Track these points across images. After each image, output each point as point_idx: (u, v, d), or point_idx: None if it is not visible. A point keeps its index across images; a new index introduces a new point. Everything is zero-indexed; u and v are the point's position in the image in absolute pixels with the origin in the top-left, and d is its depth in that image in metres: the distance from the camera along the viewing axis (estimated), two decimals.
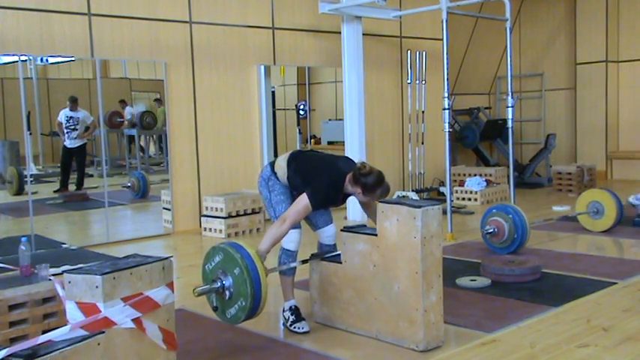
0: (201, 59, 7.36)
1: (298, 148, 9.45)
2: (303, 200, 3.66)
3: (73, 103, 7.54)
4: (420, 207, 3.38)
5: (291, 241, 3.81)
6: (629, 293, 4.43)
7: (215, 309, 3.50)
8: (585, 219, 6.59)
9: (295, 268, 3.89)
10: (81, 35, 6.51)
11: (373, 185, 3.63)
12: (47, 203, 7.71)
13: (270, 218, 3.95)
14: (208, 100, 7.46)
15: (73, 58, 6.84)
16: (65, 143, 7.59)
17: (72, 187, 7.87)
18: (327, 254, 3.93)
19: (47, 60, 7.20)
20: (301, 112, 9.86)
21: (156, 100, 8.29)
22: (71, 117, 7.52)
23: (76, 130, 7.56)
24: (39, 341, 2.37)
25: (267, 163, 4.02)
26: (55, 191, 7.86)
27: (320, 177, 3.74)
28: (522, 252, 5.63)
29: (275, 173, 3.91)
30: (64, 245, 6.44)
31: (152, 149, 8.97)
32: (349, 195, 3.83)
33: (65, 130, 7.54)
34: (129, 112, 8.38)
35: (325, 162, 3.89)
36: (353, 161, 3.90)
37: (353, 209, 7.47)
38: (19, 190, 7.26)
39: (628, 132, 10.91)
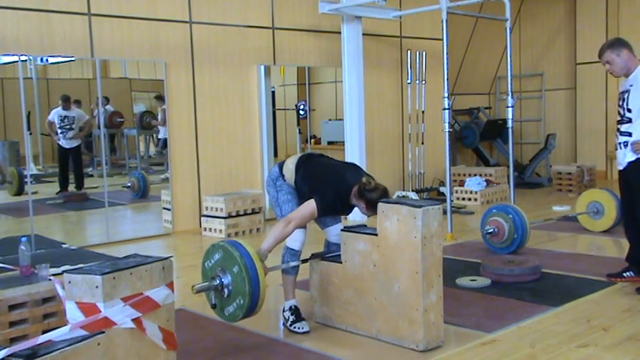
0: (201, 59, 7.36)
1: (298, 148, 9.45)
2: (310, 205, 3.68)
3: (66, 102, 7.41)
4: (420, 207, 3.38)
5: (295, 240, 3.83)
6: (629, 293, 4.42)
7: (213, 306, 3.51)
8: (585, 219, 6.58)
9: (298, 267, 3.90)
10: (81, 35, 6.52)
11: (377, 201, 3.62)
12: (47, 203, 7.69)
13: (276, 217, 3.97)
14: (208, 100, 7.46)
15: (73, 58, 6.84)
16: (61, 143, 7.50)
17: (72, 188, 7.85)
18: (330, 253, 3.94)
19: (47, 60, 7.16)
20: (301, 112, 9.86)
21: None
22: (65, 116, 7.40)
23: (72, 129, 7.45)
24: (39, 341, 2.36)
25: (276, 164, 4.06)
26: (57, 193, 7.83)
27: (327, 189, 3.74)
28: (522, 252, 5.63)
29: (283, 175, 3.93)
30: (64, 245, 6.43)
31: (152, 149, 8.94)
32: (355, 206, 3.83)
33: (60, 130, 7.43)
34: (110, 110, 8.26)
35: (333, 172, 3.87)
36: (361, 170, 3.90)
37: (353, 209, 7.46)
38: (19, 190, 7.24)
39: None
